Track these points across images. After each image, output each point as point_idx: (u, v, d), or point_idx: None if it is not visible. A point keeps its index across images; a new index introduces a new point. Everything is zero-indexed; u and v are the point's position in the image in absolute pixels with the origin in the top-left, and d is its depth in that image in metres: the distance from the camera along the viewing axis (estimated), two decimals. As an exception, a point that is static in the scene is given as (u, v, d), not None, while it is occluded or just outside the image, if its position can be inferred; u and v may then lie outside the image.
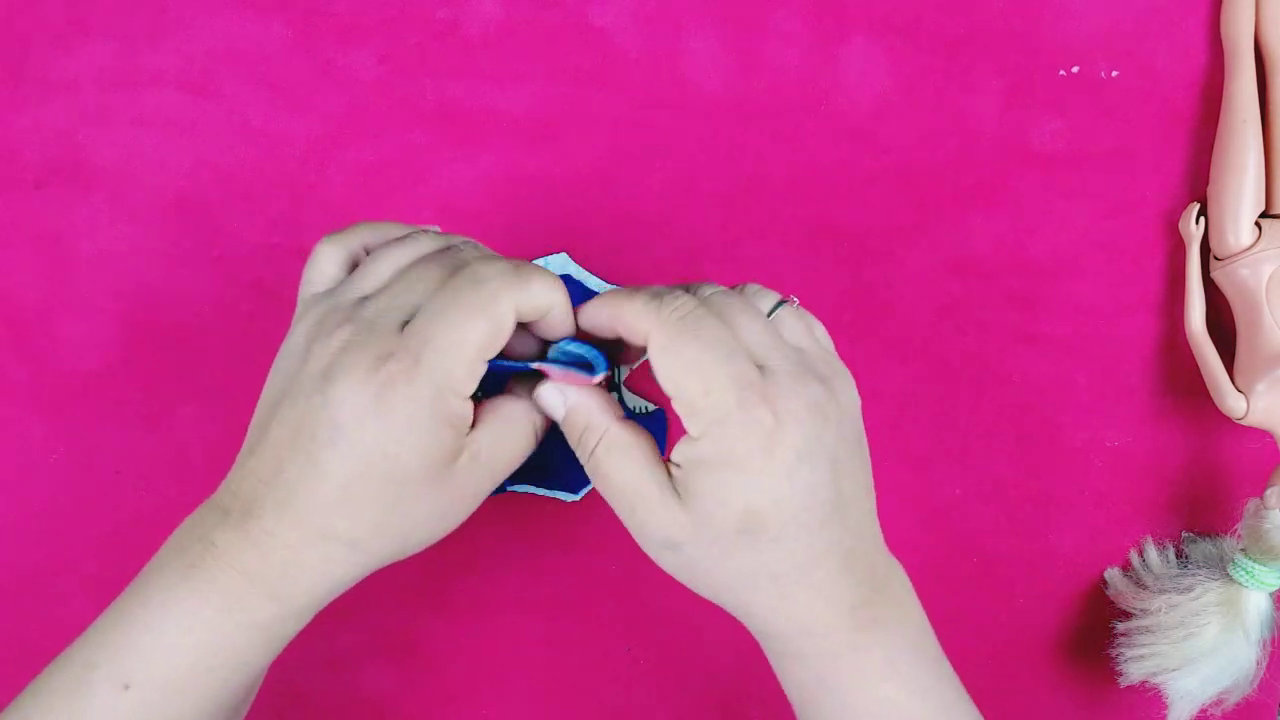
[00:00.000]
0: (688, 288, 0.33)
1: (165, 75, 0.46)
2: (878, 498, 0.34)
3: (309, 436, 0.29)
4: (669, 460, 0.31)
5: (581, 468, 0.33)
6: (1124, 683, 0.46)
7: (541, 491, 0.46)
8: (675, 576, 0.33)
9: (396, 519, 0.31)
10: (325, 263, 0.34)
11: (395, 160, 0.46)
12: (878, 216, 0.48)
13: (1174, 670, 0.44)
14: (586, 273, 0.46)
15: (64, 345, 0.46)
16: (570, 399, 0.32)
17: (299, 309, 0.34)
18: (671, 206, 0.47)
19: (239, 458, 0.32)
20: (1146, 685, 0.45)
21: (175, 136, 0.46)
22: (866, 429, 0.33)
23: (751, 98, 0.47)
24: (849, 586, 0.32)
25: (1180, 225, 0.48)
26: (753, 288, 0.34)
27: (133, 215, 0.46)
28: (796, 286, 0.48)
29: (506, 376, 0.34)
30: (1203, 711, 0.45)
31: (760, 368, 0.30)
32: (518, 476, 0.42)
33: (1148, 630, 0.45)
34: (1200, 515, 0.49)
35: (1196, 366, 0.47)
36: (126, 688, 0.30)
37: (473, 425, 0.31)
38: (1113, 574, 0.48)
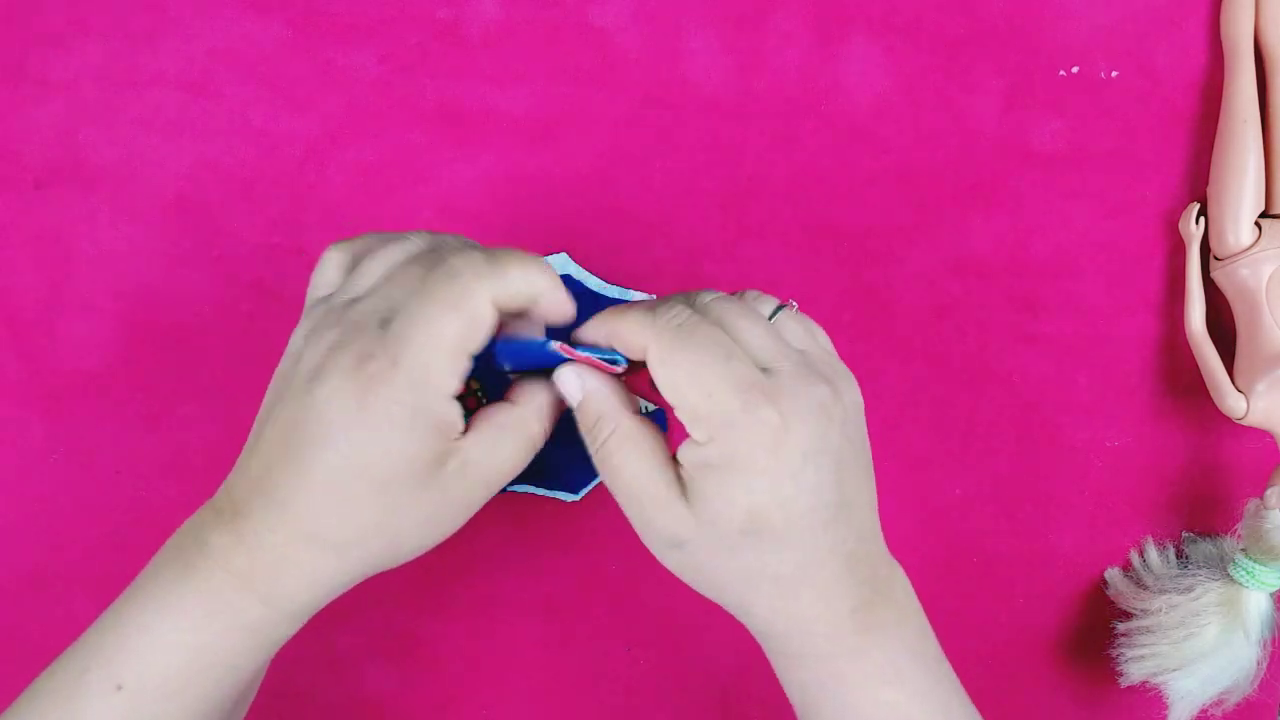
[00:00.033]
0: (686, 297, 0.33)
1: (165, 75, 0.46)
2: (878, 498, 0.34)
3: (297, 437, 0.30)
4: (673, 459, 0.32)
5: (582, 468, 0.33)
6: (1124, 683, 0.46)
7: (541, 491, 0.46)
8: (678, 575, 0.33)
9: (383, 523, 0.30)
10: (329, 268, 0.34)
11: (395, 160, 0.46)
12: (878, 216, 0.48)
13: (1174, 670, 0.44)
14: (586, 273, 0.46)
15: (64, 345, 0.46)
16: (588, 385, 0.32)
17: (303, 313, 0.34)
18: (671, 206, 0.47)
19: (238, 459, 0.32)
20: (1146, 685, 0.45)
21: (175, 136, 0.46)
22: (866, 429, 0.33)
23: (751, 98, 0.47)
24: (851, 588, 0.32)
25: (1180, 225, 0.48)
26: (752, 294, 0.34)
27: (133, 215, 0.46)
28: (796, 286, 0.48)
29: (508, 384, 0.34)
30: (1203, 711, 0.45)
31: (764, 369, 0.30)
32: (518, 476, 0.42)
33: (1148, 630, 0.45)
34: (1200, 515, 0.49)
35: (1196, 366, 0.47)
36: (119, 689, 0.30)
37: (467, 432, 0.31)
38: (1113, 574, 0.48)
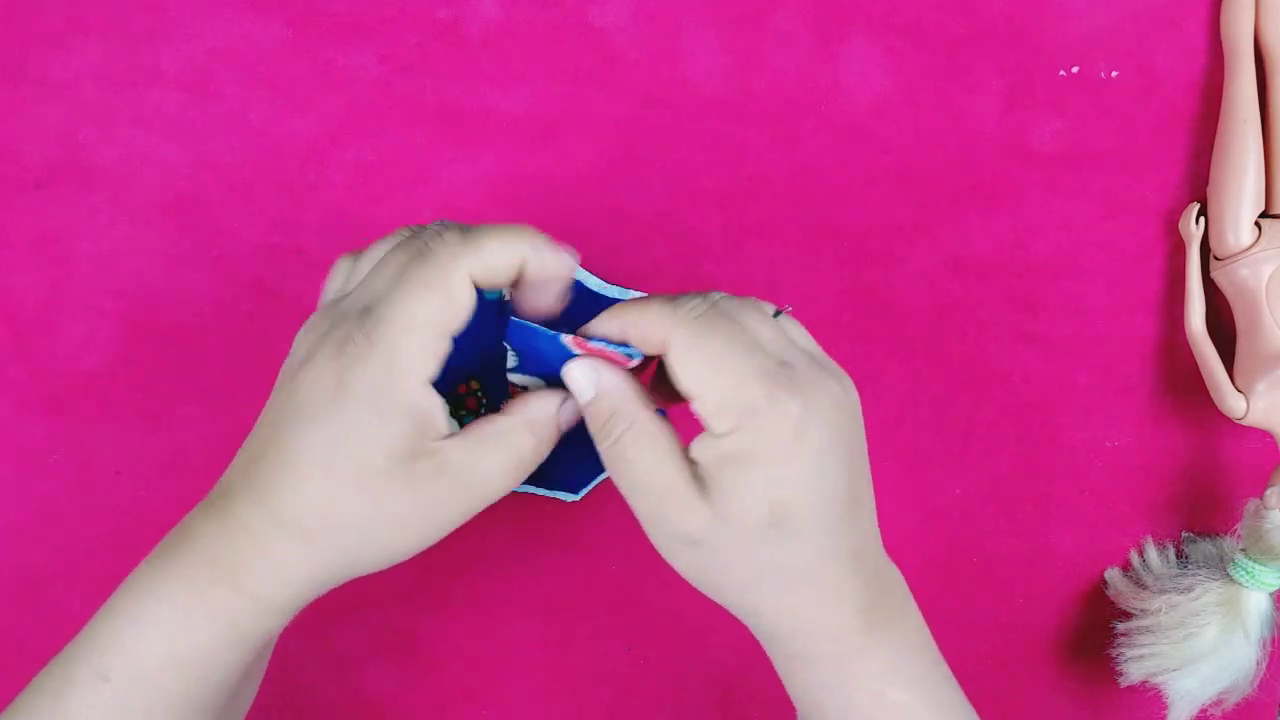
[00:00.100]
0: (697, 294, 0.33)
1: (165, 75, 0.46)
2: (878, 498, 0.34)
3: (280, 422, 0.30)
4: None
5: (582, 468, 0.33)
6: (1124, 683, 0.46)
7: (541, 491, 0.46)
8: (686, 575, 0.32)
9: (352, 514, 0.30)
10: (336, 275, 0.34)
11: (395, 160, 0.46)
12: (878, 216, 0.48)
13: (1174, 670, 0.44)
14: (587, 273, 0.46)
15: (64, 345, 0.46)
16: (603, 380, 0.32)
17: None
18: (671, 206, 0.47)
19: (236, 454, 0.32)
20: (1146, 685, 0.45)
21: (175, 136, 0.46)
22: (866, 429, 0.33)
23: (751, 98, 0.47)
24: (859, 587, 0.32)
25: (1180, 225, 0.48)
26: (750, 299, 0.34)
27: (133, 215, 0.46)
28: (796, 286, 0.48)
29: (507, 384, 0.34)
30: (1203, 711, 0.45)
31: (780, 363, 0.30)
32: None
33: (1148, 630, 0.45)
34: (1200, 515, 0.49)
35: (1196, 366, 0.47)
36: (105, 680, 0.30)
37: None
38: (1113, 574, 0.48)
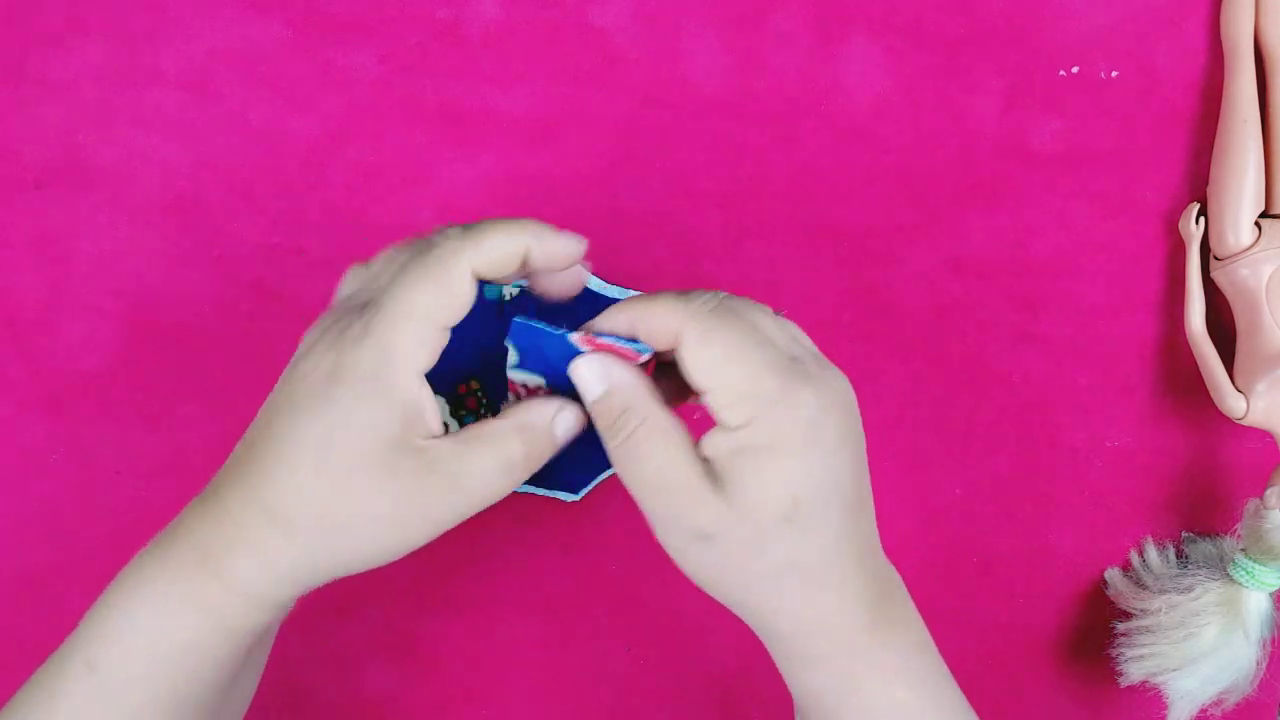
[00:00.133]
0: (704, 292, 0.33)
1: (165, 75, 0.46)
2: (877, 497, 0.34)
3: (276, 413, 0.30)
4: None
5: (582, 468, 0.33)
6: (1124, 683, 0.46)
7: (541, 491, 0.46)
8: (693, 574, 0.32)
9: (334, 506, 0.30)
10: (348, 281, 0.34)
11: (395, 160, 0.46)
12: (878, 216, 0.48)
13: (1174, 670, 0.44)
14: (588, 273, 0.46)
15: (64, 345, 0.46)
16: (615, 377, 0.31)
17: None
18: (671, 206, 0.47)
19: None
20: (1146, 685, 0.45)
21: (175, 136, 0.46)
22: (866, 429, 0.33)
23: (751, 98, 0.47)
24: (864, 585, 0.32)
25: (1180, 225, 0.48)
26: (750, 299, 0.34)
27: (133, 215, 0.46)
28: (796, 286, 0.48)
29: (506, 394, 0.34)
30: (1203, 711, 0.45)
31: (790, 358, 0.30)
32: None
33: (1148, 630, 0.45)
34: (1200, 515, 0.49)
35: (1196, 366, 0.47)
36: (93, 670, 0.30)
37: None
38: (1113, 574, 0.48)
